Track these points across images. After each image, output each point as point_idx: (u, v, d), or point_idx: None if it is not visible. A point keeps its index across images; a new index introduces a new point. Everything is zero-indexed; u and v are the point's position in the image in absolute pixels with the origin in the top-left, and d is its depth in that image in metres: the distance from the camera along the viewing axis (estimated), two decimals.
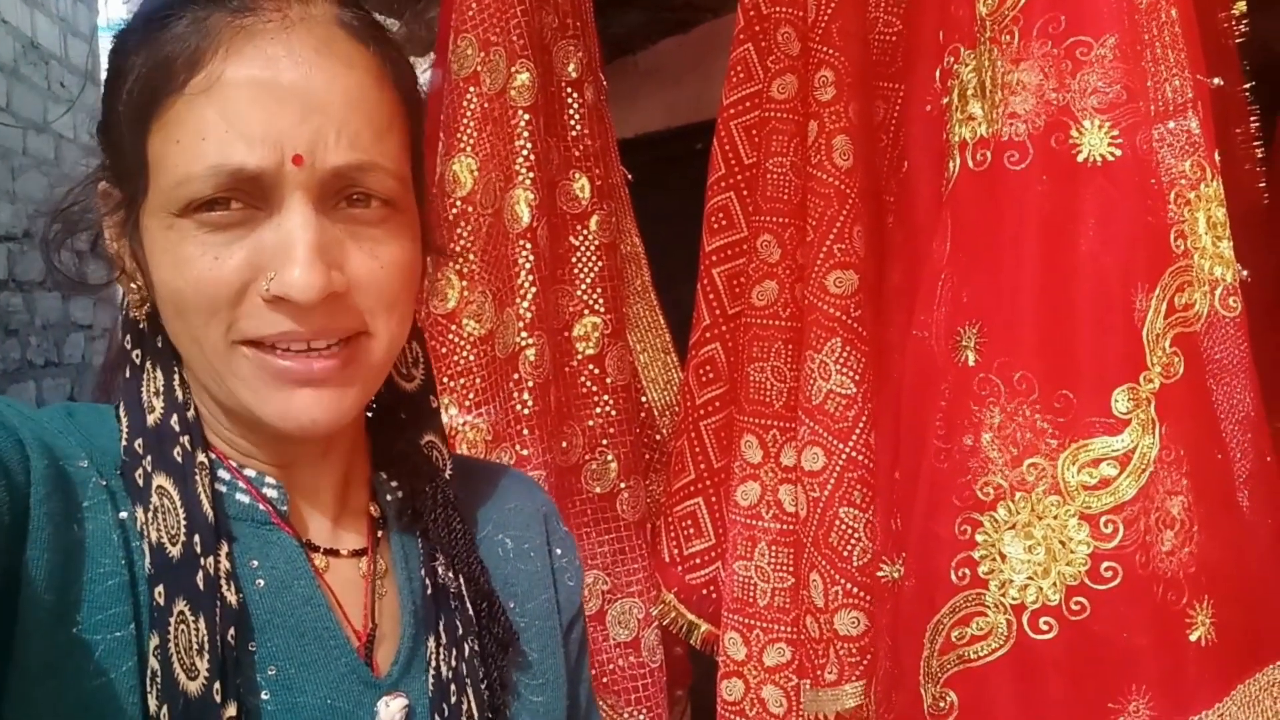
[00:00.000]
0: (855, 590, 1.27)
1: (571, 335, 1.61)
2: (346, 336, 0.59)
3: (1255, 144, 1.18)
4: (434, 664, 0.65)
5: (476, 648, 0.66)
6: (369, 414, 0.72)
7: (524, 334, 1.48)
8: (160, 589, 0.56)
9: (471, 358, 1.46)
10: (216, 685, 0.55)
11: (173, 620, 0.55)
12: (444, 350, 1.47)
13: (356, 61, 0.59)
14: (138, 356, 0.64)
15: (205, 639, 0.56)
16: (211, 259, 0.56)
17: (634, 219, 1.72)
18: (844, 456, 1.28)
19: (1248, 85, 1.15)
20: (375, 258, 0.59)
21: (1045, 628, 0.78)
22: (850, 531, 1.28)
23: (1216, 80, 0.95)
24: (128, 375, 0.63)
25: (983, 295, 0.85)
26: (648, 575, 1.61)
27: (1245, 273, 0.91)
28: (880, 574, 0.99)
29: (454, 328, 1.47)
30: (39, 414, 0.60)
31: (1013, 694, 0.79)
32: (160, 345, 0.63)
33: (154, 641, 0.55)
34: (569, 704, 0.75)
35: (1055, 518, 0.79)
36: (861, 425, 1.28)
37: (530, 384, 1.47)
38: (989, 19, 0.85)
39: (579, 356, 1.61)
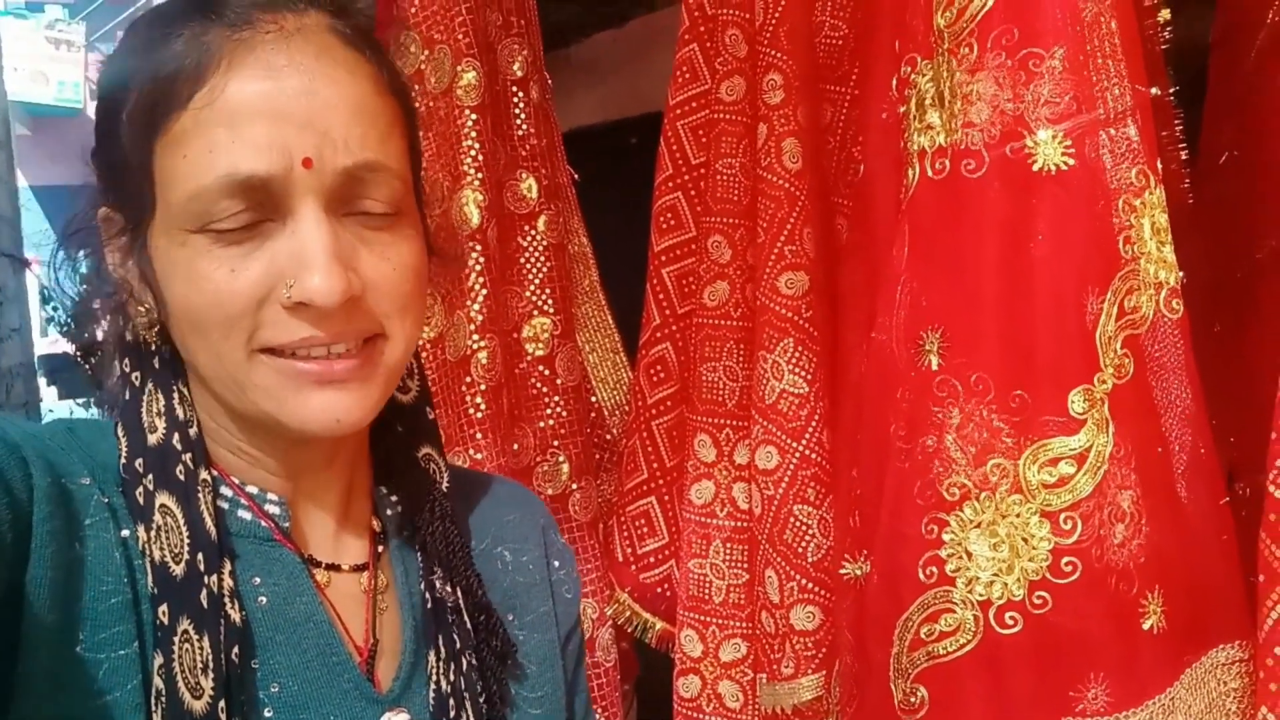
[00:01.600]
0: (810, 585, 1.30)
1: (521, 336, 1.60)
2: (364, 339, 0.60)
3: (1180, 145, 1.23)
4: (434, 679, 0.65)
5: (474, 661, 0.67)
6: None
7: (475, 337, 1.47)
8: (164, 608, 0.56)
9: (421, 361, 1.44)
10: (221, 704, 0.55)
11: (177, 639, 0.56)
12: None
13: (356, 68, 0.60)
14: (137, 379, 0.64)
15: (209, 658, 0.56)
16: (228, 272, 0.57)
17: (581, 219, 1.72)
18: (797, 455, 1.31)
19: (1173, 88, 1.20)
20: (386, 260, 0.60)
21: (1011, 622, 0.81)
22: (804, 528, 1.30)
23: (1154, 90, 0.99)
24: (127, 397, 0.63)
25: (944, 300, 0.87)
26: (601, 575, 1.62)
27: (1181, 274, 0.96)
28: (843, 571, 1.02)
29: None
30: (41, 430, 0.60)
31: (981, 687, 0.81)
32: (158, 366, 0.64)
33: (158, 661, 0.55)
34: (567, 716, 0.75)
35: (1018, 515, 0.82)
36: (814, 424, 1.30)
37: (483, 387, 1.46)
38: (947, 31, 0.87)
39: (529, 358, 1.60)
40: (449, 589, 0.68)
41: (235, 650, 0.57)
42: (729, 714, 1.45)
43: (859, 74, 1.18)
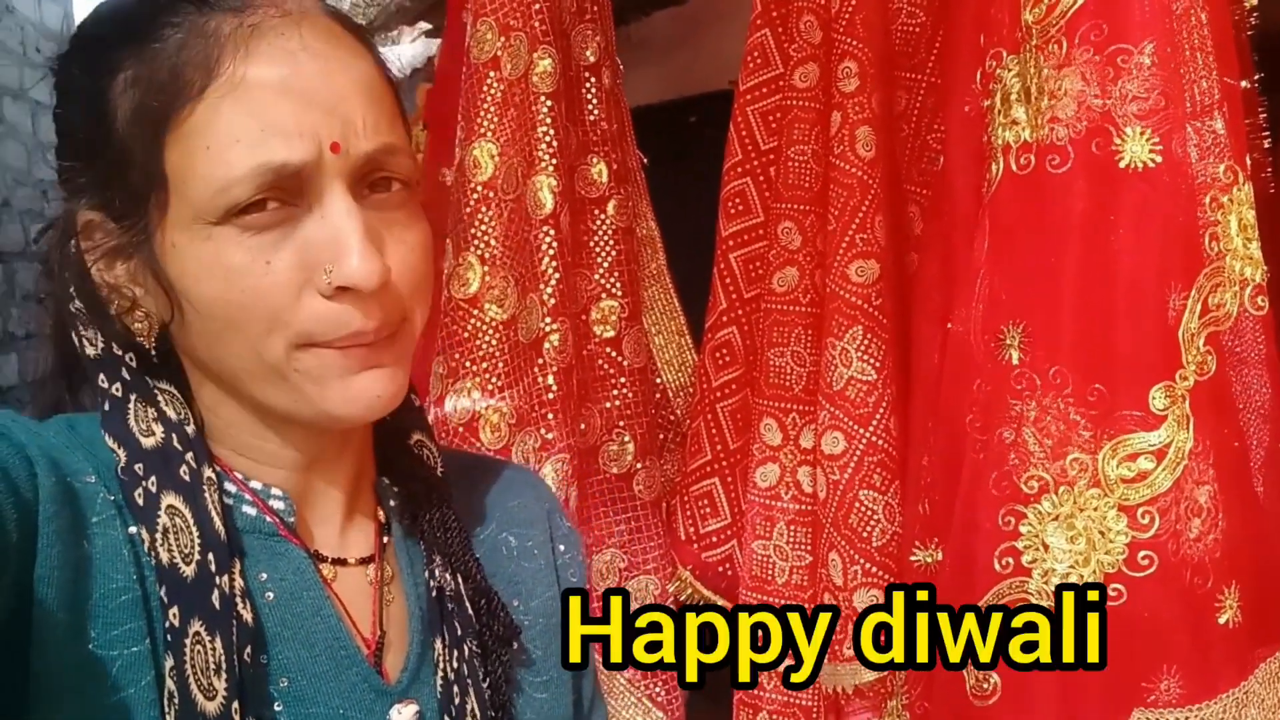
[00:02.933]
0: (874, 569, 1.32)
1: (589, 319, 1.63)
2: (398, 324, 0.60)
3: (1263, 134, 1.22)
4: (441, 667, 0.65)
5: (476, 647, 0.67)
6: None
7: (547, 319, 1.50)
8: (175, 610, 0.55)
9: (494, 342, 1.48)
10: (235, 705, 0.55)
11: (189, 641, 0.55)
12: (465, 335, 1.48)
13: (359, 51, 0.60)
14: (118, 390, 0.61)
15: (222, 658, 0.55)
16: (264, 264, 0.56)
17: (649, 202, 1.74)
18: (864, 441, 1.32)
19: (1256, 76, 1.19)
20: (404, 242, 0.60)
21: None
22: (869, 513, 1.32)
23: (1244, 83, 0.98)
24: (108, 407, 0.61)
25: (1025, 295, 0.88)
26: (663, 553, 1.65)
27: (1266, 269, 0.95)
28: (913, 558, 1.04)
29: (476, 312, 1.48)
30: (43, 428, 0.59)
31: (1054, 676, 0.83)
32: (130, 378, 0.61)
33: (169, 662, 0.55)
34: (574, 699, 0.75)
35: (1095, 509, 0.83)
36: (882, 411, 1.32)
37: (554, 368, 1.49)
38: (1035, 26, 0.88)
39: (596, 339, 1.63)
40: (448, 577, 0.67)
41: (248, 650, 0.57)
42: (789, 693, 1.48)
43: (938, 64, 1.19)
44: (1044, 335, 0.86)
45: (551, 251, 1.50)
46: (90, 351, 0.61)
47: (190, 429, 0.61)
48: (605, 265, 1.63)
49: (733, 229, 1.60)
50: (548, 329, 1.50)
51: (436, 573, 0.67)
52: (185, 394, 0.63)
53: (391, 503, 0.70)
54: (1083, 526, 0.83)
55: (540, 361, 1.50)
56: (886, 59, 1.37)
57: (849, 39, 1.36)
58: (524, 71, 1.52)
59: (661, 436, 1.75)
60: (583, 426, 1.60)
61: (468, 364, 1.47)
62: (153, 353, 0.61)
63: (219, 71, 0.55)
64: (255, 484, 0.63)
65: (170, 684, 0.54)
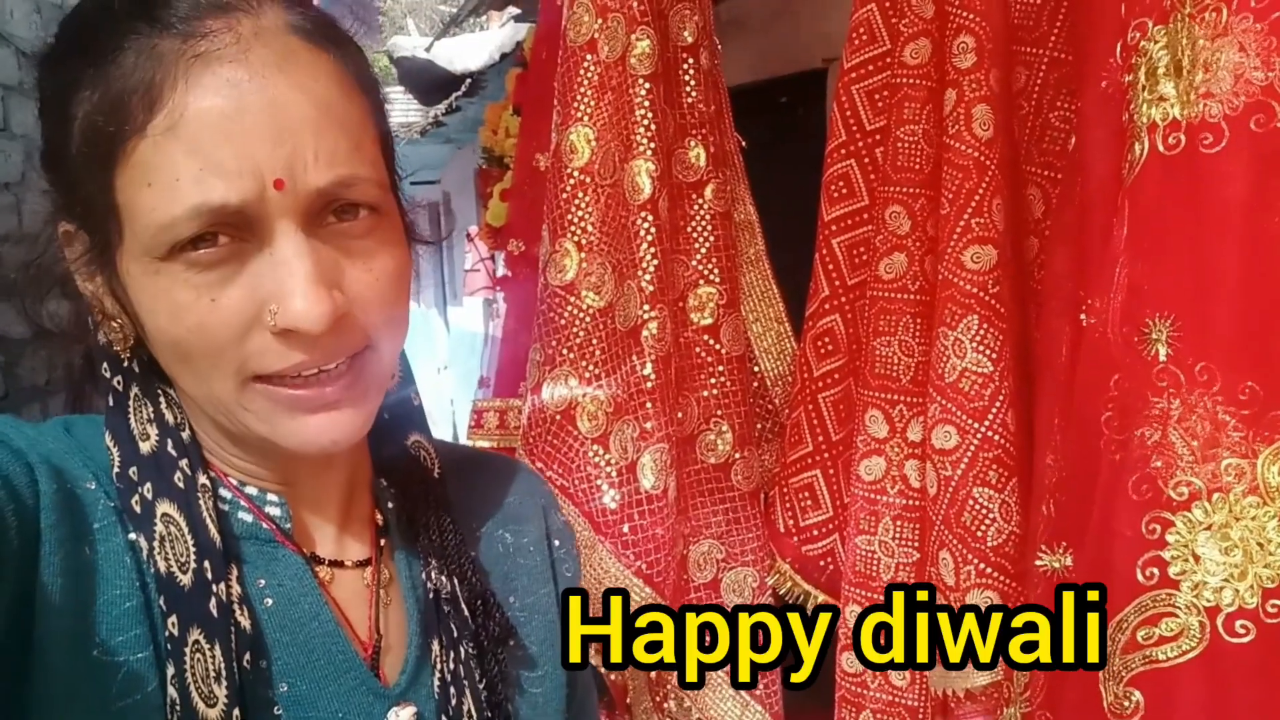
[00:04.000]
0: (989, 570, 1.26)
1: (686, 305, 1.60)
2: (353, 354, 0.59)
3: None
4: (438, 669, 0.65)
5: (472, 649, 0.66)
6: None
7: (645, 307, 1.47)
8: (173, 619, 0.55)
9: (591, 330, 1.46)
10: (236, 712, 0.55)
11: (188, 650, 0.55)
12: (562, 322, 1.47)
13: (320, 71, 0.56)
14: (119, 383, 0.62)
15: (222, 665, 0.55)
16: (209, 302, 0.54)
17: (748, 186, 1.69)
18: (979, 436, 1.26)
19: None
20: (369, 271, 0.58)
21: (1241, 630, 0.76)
22: (984, 511, 1.26)
23: None
24: (111, 404, 0.61)
25: (1175, 286, 0.82)
26: (762, 545, 1.61)
27: None
28: (1039, 563, 0.98)
29: (573, 299, 1.47)
30: (41, 432, 0.59)
31: (1204, 696, 0.77)
32: (138, 371, 0.62)
33: (170, 671, 0.55)
34: (567, 693, 0.75)
35: (1254, 519, 0.77)
36: (999, 405, 1.26)
37: (653, 356, 1.47)
38: None
39: (694, 326, 1.60)
40: (444, 579, 0.67)
41: (247, 657, 0.57)
42: (894, 692, 1.44)
43: (1066, 38, 1.11)
44: (1196, 329, 0.79)
45: (650, 237, 1.47)
46: (100, 340, 0.61)
47: (185, 434, 0.61)
48: (703, 251, 1.60)
49: (835, 213, 1.55)
50: (646, 316, 1.47)
51: (433, 575, 0.67)
52: (183, 401, 0.63)
53: (389, 505, 0.70)
54: (1239, 537, 0.77)
55: (638, 349, 1.47)
56: (1005, 33, 1.30)
57: (965, 12, 1.29)
58: (621, 54, 1.49)
59: (759, 426, 1.71)
60: (680, 415, 1.57)
61: (565, 351, 1.46)
62: (128, 364, 0.61)
63: (160, 105, 0.53)
64: (250, 490, 0.63)
65: (172, 692, 0.54)
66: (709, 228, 1.60)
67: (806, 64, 2.67)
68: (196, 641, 0.55)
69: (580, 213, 1.47)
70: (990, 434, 1.25)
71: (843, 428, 1.55)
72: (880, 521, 1.44)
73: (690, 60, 1.59)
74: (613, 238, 1.47)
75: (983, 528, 1.26)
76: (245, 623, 0.58)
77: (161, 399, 0.61)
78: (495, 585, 0.71)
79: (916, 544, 1.41)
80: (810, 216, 2.48)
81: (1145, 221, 0.85)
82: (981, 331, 1.26)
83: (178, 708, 0.54)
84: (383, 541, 0.69)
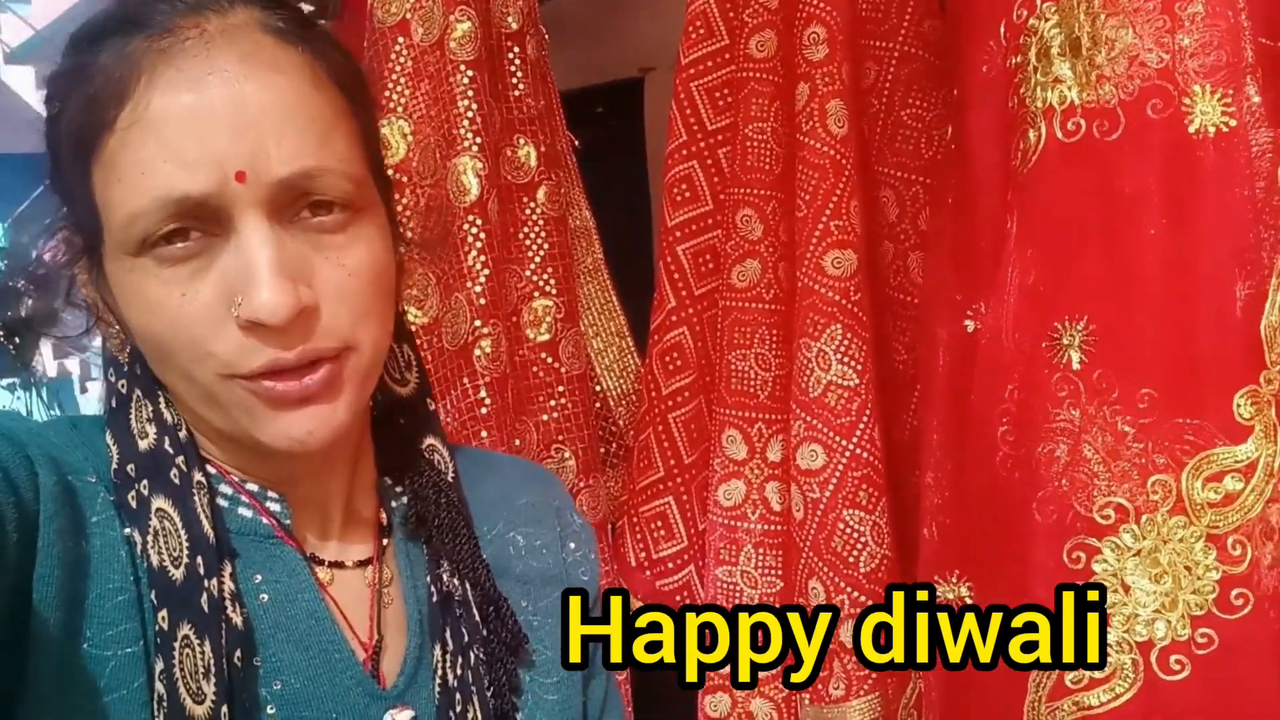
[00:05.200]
0: (862, 598, 1.17)
1: (521, 320, 1.44)
2: (332, 354, 0.58)
3: None
4: (440, 673, 0.65)
5: (482, 655, 0.66)
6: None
7: (477, 322, 1.30)
8: (164, 613, 0.56)
9: (419, 352, 1.28)
10: (224, 709, 0.55)
11: (177, 645, 0.55)
12: None
13: (286, 66, 0.57)
14: (123, 386, 0.63)
15: (210, 662, 0.55)
16: (179, 296, 0.55)
17: (583, 189, 1.55)
18: (847, 454, 1.18)
19: None
20: (342, 266, 0.57)
21: (1176, 667, 0.69)
22: (856, 535, 1.18)
23: None
24: (114, 404, 0.63)
25: (1085, 287, 0.74)
26: (611, 581, 1.47)
27: None
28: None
29: None
30: (45, 427, 0.61)
31: None
32: (140, 373, 0.62)
33: (159, 666, 0.55)
34: (584, 699, 0.74)
35: (1181, 540, 0.70)
36: (865, 420, 1.18)
37: (487, 379, 1.30)
38: None
39: (530, 343, 1.44)
40: (456, 582, 0.67)
41: (238, 654, 0.57)
42: None
43: (952, 23, 1.03)
44: (1115, 335, 0.72)
45: (480, 244, 1.30)
46: (106, 345, 0.63)
47: (183, 434, 0.62)
48: (537, 260, 1.44)
49: (679, 218, 1.44)
50: (479, 333, 1.30)
51: (444, 578, 0.67)
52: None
53: (394, 505, 0.70)
54: (1167, 562, 0.69)
55: (470, 371, 1.30)
56: (854, 26, 1.23)
57: (815, 1, 1.20)
58: (439, 37, 1.32)
59: (603, 450, 1.58)
60: (517, 443, 1.41)
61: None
62: (129, 367, 0.62)
63: (126, 100, 0.55)
64: (252, 485, 0.64)
65: (160, 687, 0.55)
66: (543, 234, 1.45)
67: (622, 73, 2.59)
68: (186, 637, 0.56)
69: (398, 217, 1.29)
70: (859, 451, 1.17)
71: (695, 449, 1.43)
72: (741, 550, 1.33)
73: (516, 49, 1.43)
74: (435, 245, 1.30)
75: (854, 552, 1.17)
76: (237, 619, 0.58)
77: (162, 400, 0.62)
78: (507, 588, 0.70)
79: (780, 572, 1.31)
80: (636, 230, 2.37)
81: (1043, 216, 0.78)
82: (846, 342, 1.17)
83: (165, 704, 0.55)
84: (385, 541, 0.69)
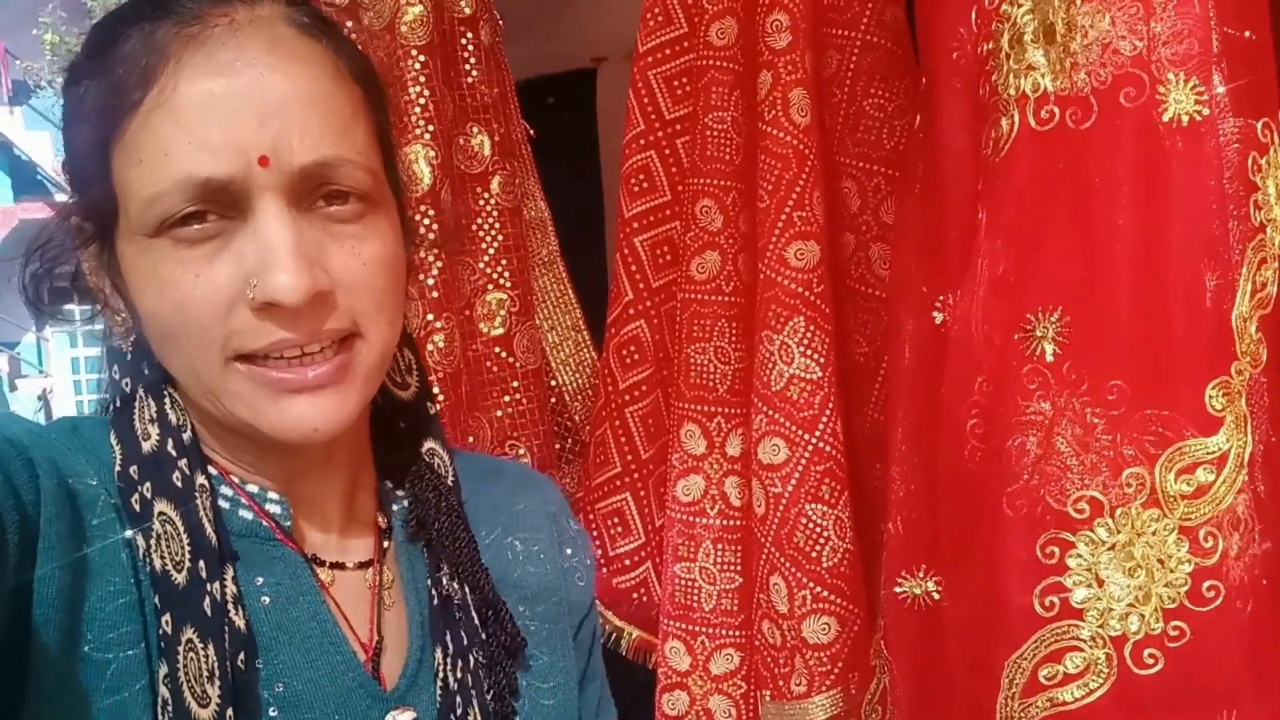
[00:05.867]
0: (826, 594, 1.16)
1: (474, 314, 1.40)
2: (339, 339, 0.59)
3: None
4: (441, 675, 0.65)
5: (482, 659, 0.66)
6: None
7: (429, 316, 1.26)
8: (167, 617, 0.56)
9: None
10: (229, 712, 0.55)
11: (181, 648, 0.56)
12: None
13: (310, 58, 0.59)
14: (127, 385, 0.63)
15: (215, 665, 0.55)
16: (193, 277, 0.56)
17: (538, 180, 1.52)
18: (810, 448, 1.16)
19: None
20: (357, 255, 0.58)
21: (1150, 661, 0.68)
22: (818, 530, 1.16)
23: (1248, 33, 0.86)
24: (118, 404, 0.63)
25: (1058, 277, 0.73)
26: None
27: None
28: (899, 589, 0.87)
29: None
30: (46, 430, 0.60)
31: None
32: (147, 372, 0.63)
33: (163, 670, 0.55)
34: (581, 704, 0.75)
35: (1154, 533, 0.69)
36: (828, 414, 1.16)
37: (440, 374, 1.26)
38: None
39: (483, 337, 1.40)
40: (455, 586, 0.67)
41: (241, 657, 0.57)
42: None
43: (920, 6, 1.01)
44: (1088, 326, 0.71)
45: (431, 236, 1.27)
46: (108, 340, 0.64)
47: (187, 435, 0.62)
48: (491, 252, 1.41)
49: (637, 209, 1.41)
50: (430, 328, 1.26)
51: (443, 582, 0.67)
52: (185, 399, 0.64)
53: (394, 508, 0.70)
54: (1141, 555, 0.69)
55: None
56: (815, 14, 1.21)
57: None
58: (390, 20, 1.28)
59: (559, 446, 1.54)
60: (471, 439, 1.37)
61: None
62: (135, 365, 0.63)
63: (153, 84, 0.55)
64: (252, 488, 0.64)
65: (164, 691, 0.55)
66: (497, 225, 1.41)
67: (574, 64, 2.55)
68: (190, 640, 0.56)
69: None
70: (821, 445, 1.15)
71: (653, 444, 1.41)
72: (700, 546, 1.31)
73: (470, 34, 1.39)
74: None
75: (817, 548, 1.15)
76: (239, 622, 0.58)
77: (166, 400, 0.63)
78: (505, 592, 0.71)
79: (739, 567, 1.30)
80: (587, 221, 2.33)
81: (1017, 204, 0.77)
82: (809, 334, 1.15)
83: (169, 707, 0.55)
84: (386, 544, 0.69)
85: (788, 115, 1.17)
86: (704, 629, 1.32)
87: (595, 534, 1.44)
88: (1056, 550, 0.70)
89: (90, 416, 0.65)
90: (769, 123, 1.18)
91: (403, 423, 0.71)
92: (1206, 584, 0.69)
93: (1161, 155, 0.72)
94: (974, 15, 0.81)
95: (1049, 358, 0.72)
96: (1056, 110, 0.74)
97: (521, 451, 1.42)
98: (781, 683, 1.20)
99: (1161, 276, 0.71)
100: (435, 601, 0.67)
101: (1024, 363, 0.74)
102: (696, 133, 1.31)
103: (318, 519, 0.67)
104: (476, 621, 0.67)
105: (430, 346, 1.26)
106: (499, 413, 1.41)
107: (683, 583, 1.33)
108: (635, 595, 1.43)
